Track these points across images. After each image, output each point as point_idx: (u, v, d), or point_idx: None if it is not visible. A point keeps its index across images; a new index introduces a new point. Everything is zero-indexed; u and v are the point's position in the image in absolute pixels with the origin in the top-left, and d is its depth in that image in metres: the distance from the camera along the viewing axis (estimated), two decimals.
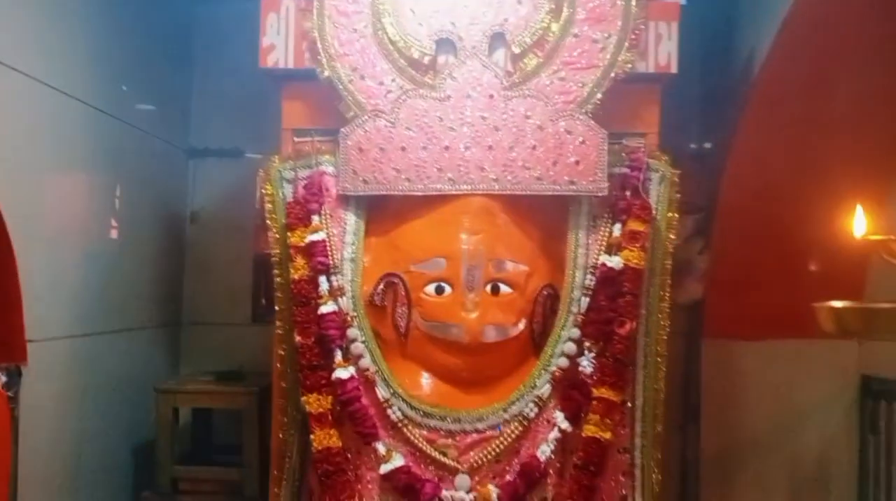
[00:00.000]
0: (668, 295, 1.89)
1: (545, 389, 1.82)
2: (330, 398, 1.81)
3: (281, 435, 1.91)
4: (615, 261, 1.83)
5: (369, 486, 1.78)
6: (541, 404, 1.82)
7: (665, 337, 1.89)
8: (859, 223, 0.84)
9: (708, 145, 2.44)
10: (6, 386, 1.75)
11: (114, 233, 2.44)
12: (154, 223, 2.73)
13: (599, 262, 1.85)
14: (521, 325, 1.86)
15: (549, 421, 1.81)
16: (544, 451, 1.78)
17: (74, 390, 2.15)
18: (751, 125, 2.26)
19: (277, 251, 1.94)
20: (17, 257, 1.77)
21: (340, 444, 1.79)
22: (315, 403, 1.80)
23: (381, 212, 1.93)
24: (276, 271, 1.95)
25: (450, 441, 1.80)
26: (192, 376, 2.62)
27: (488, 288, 1.83)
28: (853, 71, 2.08)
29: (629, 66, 1.88)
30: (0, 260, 1.75)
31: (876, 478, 2.51)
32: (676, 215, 1.90)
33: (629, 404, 1.86)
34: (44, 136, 2.01)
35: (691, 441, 2.67)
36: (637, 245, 1.83)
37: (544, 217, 1.90)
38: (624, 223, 1.85)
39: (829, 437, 2.61)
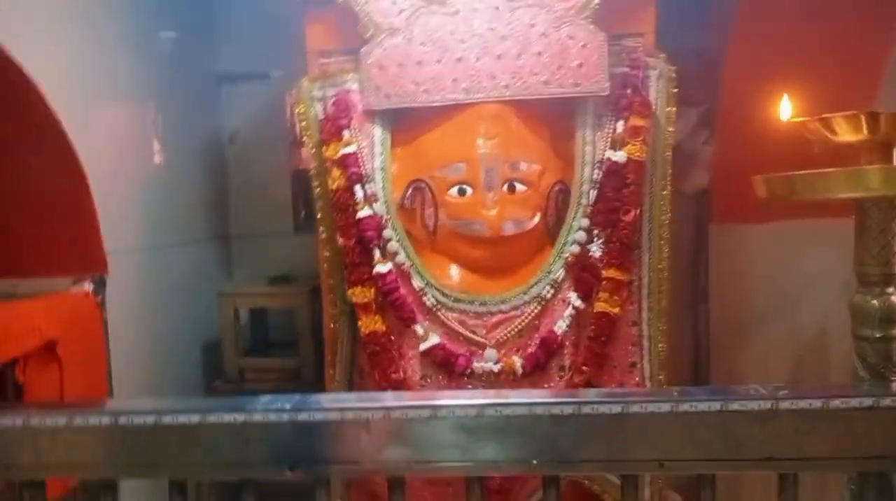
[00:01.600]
0: (668, 184, 2.08)
1: (560, 273, 2.05)
2: (373, 290, 2.05)
3: (332, 325, 2.18)
4: (619, 155, 2.02)
5: (412, 361, 2.06)
6: (556, 286, 2.05)
7: (667, 223, 2.09)
8: (785, 109, 1.01)
9: (709, 41, 2.54)
10: (95, 293, 2.04)
11: (161, 158, 2.68)
12: (196, 146, 2.96)
13: (605, 157, 2.03)
14: (537, 219, 2.07)
15: (564, 301, 2.05)
16: (560, 326, 2.03)
17: (147, 297, 2.45)
18: (746, 18, 2.36)
19: (315, 164, 2.16)
20: (90, 183, 2.02)
21: (385, 328, 2.05)
22: (360, 294, 2.06)
23: (405, 123, 2.12)
24: (315, 183, 2.17)
25: (478, 321, 2.05)
26: (248, 281, 2.91)
27: (505, 187, 2.03)
28: None
29: None
30: (75, 182, 1.99)
31: None
32: (675, 109, 2.06)
33: (636, 283, 2.10)
34: (95, 75, 2.22)
35: (701, 318, 2.91)
36: (639, 139, 2.01)
37: (553, 118, 2.08)
38: (626, 119, 2.02)
39: (829, 308, 2.82)
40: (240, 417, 0.88)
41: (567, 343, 2.05)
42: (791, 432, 0.82)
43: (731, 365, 2.87)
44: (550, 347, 2.02)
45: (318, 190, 2.17)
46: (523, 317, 2.04)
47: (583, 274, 2.05)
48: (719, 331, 2.86)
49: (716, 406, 0.82)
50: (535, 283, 2.05)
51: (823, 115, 0.92)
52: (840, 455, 0.83)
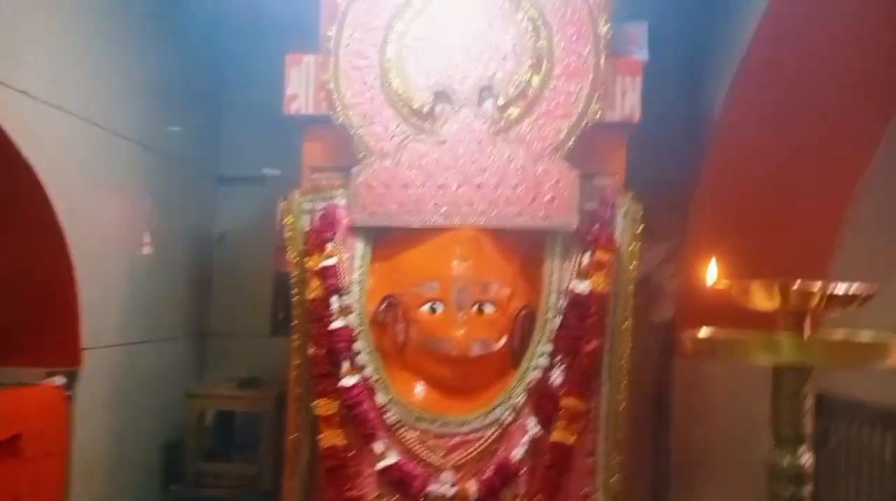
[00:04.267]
0: (630, 317, 2.17)
1: (521, 398, 2.10)
2: (337, 402, 2.08)
3: (295, 435, 2.20)
4: (584, 286, 2.12)
5: (368, 479, 2.06)
6: (517, 411, 2.09)
7: (627, 354, 2.16)
8: (711, 273, 1.11)
9: (679, 179, 2.71)
10: (66, 387, 2.06)
11: (150, 253, 2.76)
12: (186, 244, 3.05)
13: (570, 287, 2.14)
14: (503, 341, 2.14)
15: (522, 427, 2.08)
16: (518, 453, 2.05)
17: (117, 393, 2.46)
18: (715, 162, 2.54)
19: (297, 273, 2.24)
20: (76, 277, 2.09)
21: (345, 442, 2.07)
22: (324, 407, 2.09)
23: (385, 240, 2.23)
24: (295, 291, 2.24)
25: (438, 442, 2.07)
26: (217, 382, 2.93)
27: (475, 308, 2.11)
28: (806, 110, 2.34)
29: (598, 115, 2.17)
30: (63, 274, 2.06)
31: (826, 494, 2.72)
32: (639, 245, 2.19)
33: (594, 413, 2.14)
34: (94, 169, 2.34)
35: (662, 448, 2.92)
36: (603, 272, 2.12)
37: (524, 246, 2.20)
38: (592, 253, 2.14)
39: None
40: None
41: (523, 470, 2.07)
42: None
43: (690, 497, 2.85)
44: (506, 474, 2.04)
45: (297, 297, 2.24)
46: (482, 441, 2.07)
47: (543, 402, 2.09)
48: (680, 462, 2.87)
49: None
50: (496, 406, 2.10)
51: (741, 281, 1.01)
52: None
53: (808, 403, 0.98)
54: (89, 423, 2.23)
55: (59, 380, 2.05)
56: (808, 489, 0.96)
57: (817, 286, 0.94)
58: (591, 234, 2.15)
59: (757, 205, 2.53)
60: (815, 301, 0.95)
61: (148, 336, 2.67)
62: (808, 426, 0.98)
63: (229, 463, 2.75)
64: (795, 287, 0.95)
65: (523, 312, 2.17)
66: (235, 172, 3.26)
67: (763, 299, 0.98)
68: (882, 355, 0.92)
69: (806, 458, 0.97)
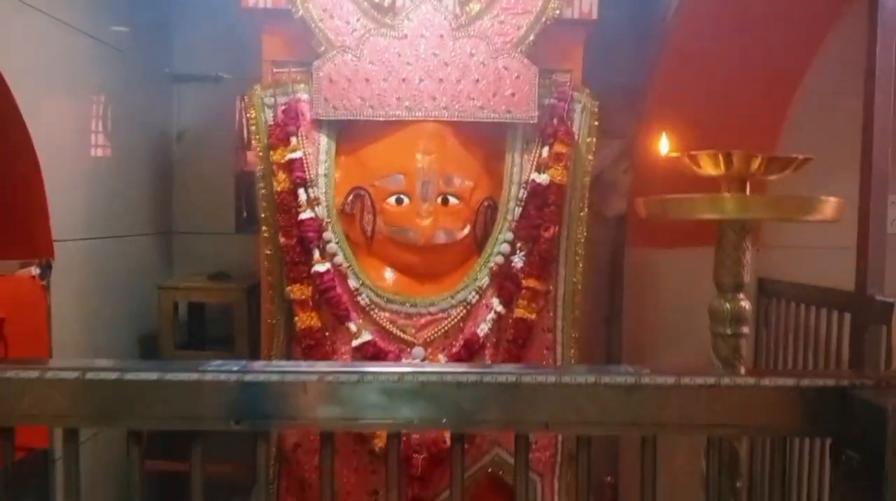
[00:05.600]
0: (586, 206, 2.31)
1: (485, 281, 2.25)
2: (310, 287, 2.20)
3: (270, 321, 2.32)
4: (543, 178, 2.24)
5: (344, 357, 2.21)
6: (481, 292, 2.25)
7: (583, 241, 2.32)
8: (663, 144, 1.23)
9: (633, 80, 2.81)
10: (41, 277, 2.12)
11: (111, 153, 2.76)
12: (145, 143, 3.04)
13: (530, 178, 2.25)
14: (466, 230, 2.27)
15: (487, 306, 2.25)
16: (483, 329, 2.22)
17: (90, 284, 2.52)
18: (667, 61, 2.64)
19: (261, 167, 2.30)
20: (43, 171, 2.11)
21: (320, 324, 2.20)
22: (298, 292, 2.20)
23: (350, 134, 2.29)
24: (261, 184, 2.30)
25: (408, 321, 2.22)
26: (187, 277, 3.00)
27: (439, 199, 2.22)
28: (756, 12, 2.44)
29: (557, 12, 2.23)
30: (30, 171, 2.08)
31: (767, 365, 3.02)
32: (595, 139, 2.30)
33: (552, 293, 2.31)
34: (54, 67, 2.30)
35: (615, 332, 3.15)
36: (561, 164, 2.24)
37: (486, 140, 2.28)
38: (551, 146, 2.24)
39: None
40: (193, 376, 1.03)
41: (488, 344, 2.24)
42: (651, 403, 1.02)
43: (641, 363, 3.10)
44: (473, 347, 2.21)
45: (262, 191, 2.30)
46: (450, 320, 2.23)
47: (505, 283, 2.24)
48: (631, 345, 3.11)
49: (591, 379, 1.02)
50: (462, 289, 2.24)
51: (691, 153, 1.13)
52: (689, 422, 1.03)
53: (748, 256, 1.12)
54: (66, 314, 2.29)
55: (34, 271, 2.10)
56: (745, 329, 1.13)
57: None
58: (549, 128, 2.25)
59: (707, 103, 2.66)
60: (756, 165, 1.08)
61: (114, 232, 2.71)
62: (747, 276, 1.13)
63: (204, 352, 2.85)
64: (737, 154, 1.07)
65: (486, 203, 2.29)
66: (192, 70, 3.21)
67: (709, 165, 1.10)
68: (811, 210, 1.06)
69: (744, 303, 1.12)
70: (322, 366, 1.05)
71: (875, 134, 2.23)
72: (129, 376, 1.01)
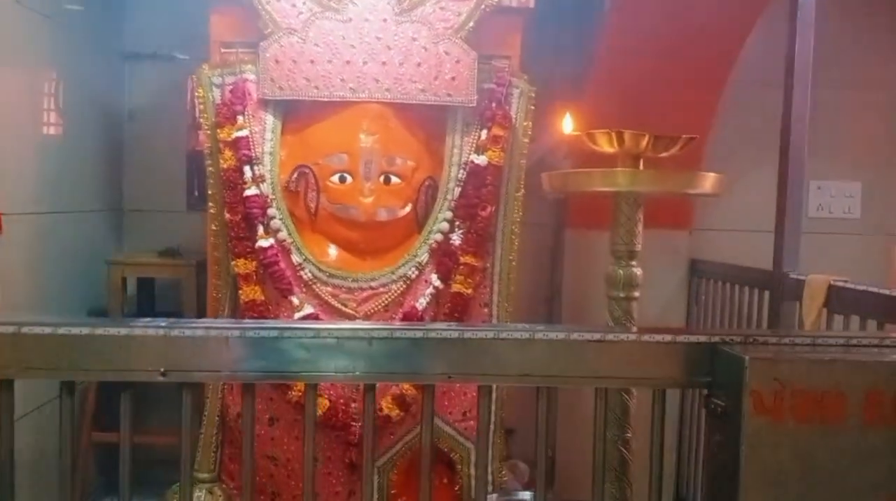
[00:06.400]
0: (522, 187, 2.42)
1: (424, 257, 2.35)
2: (254, 262, 2.28)
3: (215, 295, 2.39)
4: (481, 159, 2.34)
5: None
6: (420, 268, 2.34)
7: (518, 220, 2.43)
8: (567, 124, 1.34)
9: (572, 67, 2.92)
10: None
11: (61, 128, 2.78)
12: (96, 120, 3.07)
13: (469, 160, 2.35)
14: (408, 208, 2.36)
15: (426, 281, 2.34)
16: (422, 302, 2.32)
17: (38, 260, 2.56)
18: (604, 49, 2.76)
19: (209, 145, 2.36)
20: None
21: (263, 298, 2.28)
22: (243, 266, 2.27)
23: (295, 114, 2.36)
24: (208, 162, 2.37)
25: (350, 295, 2.31)
26: (137, 251, 3.05)
27: (381, 178, 2.31)
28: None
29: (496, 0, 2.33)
30: None
31: None
32: (531, 124, 2.40)
33: (489, 270, 2.42)
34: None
35: (555, 311, 3.28)
36: (498, 146, 2.34)
37: (428, 122, 2.38)
38: (489, 129, 2.35)
39: (666, 306, 3.26)
40: (123, 330, 1.11)
41: (426, 318, 2.34)
42: (543, 356, 1.13)
43: None
44: (411, 319, 2.30)
45: (210, 168, 2.37)
46: (390, 294, 2.32)
47: (444, 259, 2.35)
48: (569, 322, 3.24)
49: (490, 334, 1.12)
50: (402, 265, 2.34)
51: (589, 131, 1.24)
52: (577, 374, 1.15)
53: (639, 227, 1.23)
54: (14, 287, 2.33)
55: None
56: (636, 293, 1.24)
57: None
58: (488, 111, 2.35)
59: (642, 91, 2.78)
60: (644, 143, 1.19)
61: (63, 207, 2.74)
62: (639, 244, 1.25)
63: None
64: (627, 134, 1.18)
65: (427, 183, 2.39)
66: (145, 49, 3.23)
67: (605, 143, 1.21)
68: (693, 184, 1.17)
69: (636, 269, 1.24)
70: (246, 323, 1.14)
71: (793, 123, 2.39)
72: (62, 330, 1.09)
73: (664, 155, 1.21)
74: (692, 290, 3.24)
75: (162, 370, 1.10)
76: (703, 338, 1.14)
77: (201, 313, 2.63)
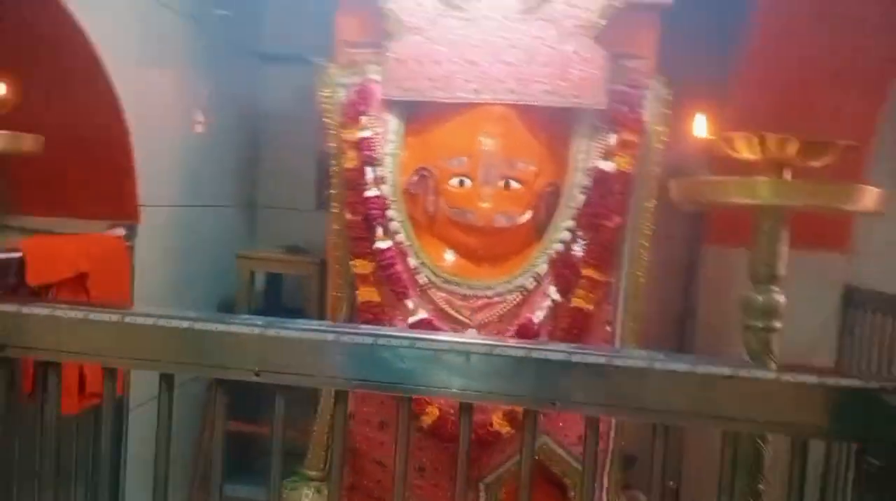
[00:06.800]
0: (653, 197, 2.25)
1: (543, 267, 2.23)
2: (373, 264, 2.26)
3: (335, 293, 2.39)
4: (609, 166, 2.20)
5: None
6: (538, 279, 2.23)
7: (648, 233, 2.26)
8: (699, 126, 1.18)
9: (714, 70, 2.70)
10: (126, 238, 2.28)
11: (201, 126, 2.92)
12: (234, 119, 3.20)
13: (596, 166, 2.21)
14: (527, 215, 2.25)
15: (543, 293, 2.23)
16: (538, 316, 2.20)
17: (173, 250, 2.69)
18: (752, 50, 2.52)
19: (334, 145, 2.37)
20: (132, 139, 2.27)
21: (380, 299, 2.25)
22: (361, 266, 2.26)
23: (418, 115, 2.33)
24: (333, 162, 2.38)
25: (464, 303, 2.24)
26: (266, 248, 3.15)
27: (501, 183, 2.22)
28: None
29: None
30: (119, 136, 2.23)
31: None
32: (666, 129, 2.23)
33: (614, 285, 2.26)
34: (146, 40, 2.46)
35: (687, 334, 3.05)
36: (628, 152, 2.19)
37: (552, 124, 2.26)
38: (618, 133, 2.20)
39: (813, 340, 2.94)
40: (220, 327, 1.09)
41: (543, 333, 2.22)
42: (662, 389, 1.00)
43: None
44: (527, 334, 2.20)
45: (334, 168, 2.38)
46: (505, 305, 2.23)
47: (564, 271, 2.22)
48: (704, 347, 3.00)
49: (601, 359, 1.00)
50: (520, 274, 2.23)
51: (726, 134, 1.09)
52: (702, 413, 1.00)
53: (783, 247, 1.07)
54: (149, 275, 2.46)
55: (120, 231, 2.27)
56: (777, 323, 1.08)
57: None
58: (618, 115, 2.20)
59: (793, 95, 2.52)
60: (792, 148, 1.02)
61: (200, 201, 2.87)
62: (782, 267, 1.08)
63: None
64: (771, 138, 1.02)
65: (548, 189, 2.27)
66: (279, 50, 3.34)
67: (744, 148, 1.05)
68: (849, 200, 1.00)
69: (778, 296, 1.07)
70: (340, 328, 1.09)
71: None
72: (162, 323, 1.08)
73: (815, 164, 1.04)
74: (846, 323, 2.89)
75: (256, 370, 1.08)
76: (857, 383, 0.97)
77: (323, 311, 2.65)
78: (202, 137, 2.92)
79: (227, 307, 3.01)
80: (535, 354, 1.02)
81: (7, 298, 1.35)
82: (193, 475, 2.85)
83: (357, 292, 2.28)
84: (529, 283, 2.23)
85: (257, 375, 1.08)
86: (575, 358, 1.01)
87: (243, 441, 2.79)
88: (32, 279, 1.83)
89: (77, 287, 2.00)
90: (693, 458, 2.71)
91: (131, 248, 2.31)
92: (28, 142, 1.22)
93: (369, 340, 1.06)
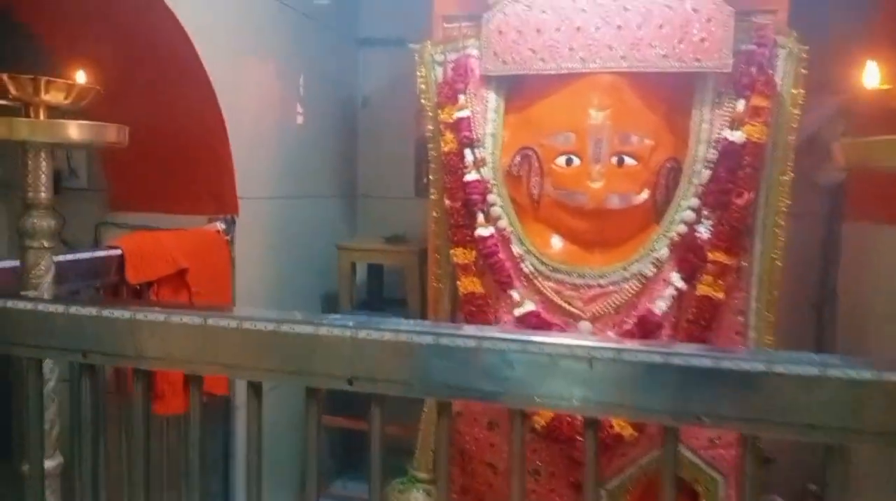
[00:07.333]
0: (789, 169, 1.98)
1: (663, 252, 2.01)
2: (474, 252, 2.11)
3: (436, 284, 2.28)
4: (737, 136, 1.95)
5: (506, 326, 2.10)
6: (658, 265, 2.01)
7: (784, 210, 1.99)
8: (870, 75, 0.96)
9: (852, 25, 2.36)
10: (225, 232, 2.25)
11: (299, 116, 2.87)
12: (332, 107, 3.14)
13: (721, 136, 1.97)
14: (644, 194, 2.04)
15: (665, 281, 2.01)
16: (660, 306, 1.99)
17: (273, 243, 2.65)
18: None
19: (431, 127, 2.24)
20: (228, 131, 2.23)
21: (483, 290, 2.11)
22: (461, 255, 2.13)
23: (519, 90, 2.15)
24: (430, 145, 2.26)
25: (575, 293, 2.06)
26: (366, 238, 3.08)
27: (614, 160, 2.02)
28: None
29: None
30: (216, 130, 2.20)
31: None
32: (803, 91, 1.95)
33: (746, 270, 2.02)
34: (242, 30, 2.41)
35: (827, 320, 2.73)
36: (760, 120, 1.93)
37: (670, 93, 2.03)
38: (748, 98, 1.94)
39: None
40: (308, 329, 0.98)
41: (666, 324, 2.01)
42: (838, 401, 0.80)
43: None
44: (647, 326, 1.99)
45: (432, 152, 2.25)
46: (621, 294, 2.03)
47: (687, 255, 2.00)
48: (847, 335, 2.68)
49: (759, 366, 0.81)
50: (637, 260, 2.03)
51: None
52: (890, 431, 0.79)
53: None
54: (250, 268, 2.43)
55: (220, 225, 2.23)
56: None
57: None
58: (746, 78, 1.95)
59: None
60: None
61: (299, 192, 2.83)
62: None
63: (381, 313, 2.90)
64: None
65: (668, 164, 2.05)
66: (376, 34, 3.25)
67: None
68: None
69: None
70: (440, 328, 0.95)
71: None
72: (247, 325, 0.98)
73: None
74: None
75: (349, 377, 0.96)
76: None
77: (425, 303, 2.55)
78: (300, 126, 2.87)
79: (331, 300, 2.97)
80: (675, 360, 0.84)
81: (92, 300, 1.29)
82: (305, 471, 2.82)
83: (458, 283, 2.15)
84: (648, 270, 2.02)
85: (350, 383, 0.96)
86: (724, 365, 0.83)
87: (353, 438, 2.74)
88: (132, 277, 1.81)
89: (178, 283, 1.98)
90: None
91: (231, 242, 2.28)
92: (111, 133, 1.15)
93: (472, 343, 0.91)
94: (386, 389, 0.96)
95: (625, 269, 2.03)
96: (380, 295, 3.10)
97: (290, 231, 2.75)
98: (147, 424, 1.09)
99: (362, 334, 0.95)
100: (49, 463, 1.18)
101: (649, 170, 2.03)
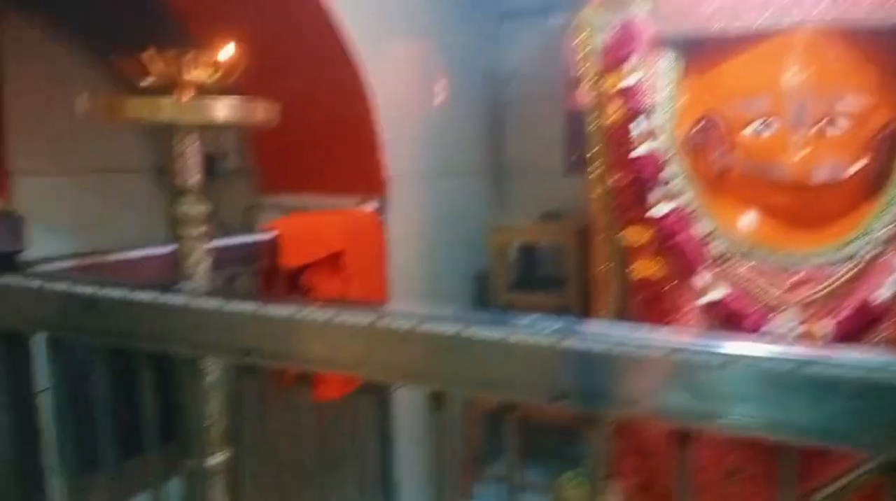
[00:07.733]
0: None
1: (884, 231, 1.69)
2: (649, 232, 1.88)
3: (603, 267, 2.05)
4: None
5: (688, 316, 1.85)
6: (879, 246, 1.70)
7: None
8: None
9: None
10: (378, 212, 2.15)
11: (445, 93, 2.72)
12: (476, 83, 2.97)
13: None
14: (858, 165, 1.72)
15: (888, 265, 1.69)
16: (882, 295, 1.67)
17: (424, 221, 2.53)
18: None
19: (592, 97, 2.01)
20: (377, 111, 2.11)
21: (660, 275, 1.87)
22: (634, 236, 1.90)
23: (697, 52, 1.88)
24: (590, 117, 2.02)
25: (773, 279, 1.78)
26: (517, 217, 2.91)
27: (817, 125, 1.71)
28: None
29: None
30: (363, 112, 2.09)
31: None
32: None
33: None
34: (385, 8, 2.28)
35: None
36: None
37: (885, 48, 1.69)
38: None
39: None
40: (496, 334, 0.80)
41: (886, 316, 1.69)
42: None
43: None
44: (867, 316, 1.68)
45: (592, 125, 2.02)
46: (832, 280, 1.73)
47: None
48: None
49: None
50: (852, 241, 1.72)
51: None
52: None
53: None
54: (402, 249, 2.31)
55: (373, 206, 2.14)
56: None
57: None
58: None
59: None
60: None
61: (447, 171, 2.70)
62: None
63: (535, 293, 2.71)
64: None
65: (888, 130, 1.71)
66: (518, 5, 3.04)
67: None
68: None
69: None
70: (671, 335, 0.75)
71: None
72: (425, 327, 0.83)
73: None
74: None
75: (552, 395, 0.78)
76: None
77: (584, 284, 2.33)
78: (447, 105, 2.73)
79: (482, 281, 2.83)
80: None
81: (252, 295, 1.19)
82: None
83: (630, 267, 1.92)
84: (866, 252, 1.70)
85: (557, 400, 0.77)
86: None
87: (531, 426, 2.57)
88: (287, 260, 1.73)
89: (332, 266, 1.89)
90: None
91: (384, 222, 2.17)
92: (260, 112, 1.04)
93: (718, 359, 0.70)
94: (603, 407, 0.77)
95: (837, 250, 1.73)
96: (533, 274, 2.92)
97: (439, 211, 2.63)
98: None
99: (567, 343, 0.77)
100: (213, 460, 1.09)
101: (863, 136, 1.71)
